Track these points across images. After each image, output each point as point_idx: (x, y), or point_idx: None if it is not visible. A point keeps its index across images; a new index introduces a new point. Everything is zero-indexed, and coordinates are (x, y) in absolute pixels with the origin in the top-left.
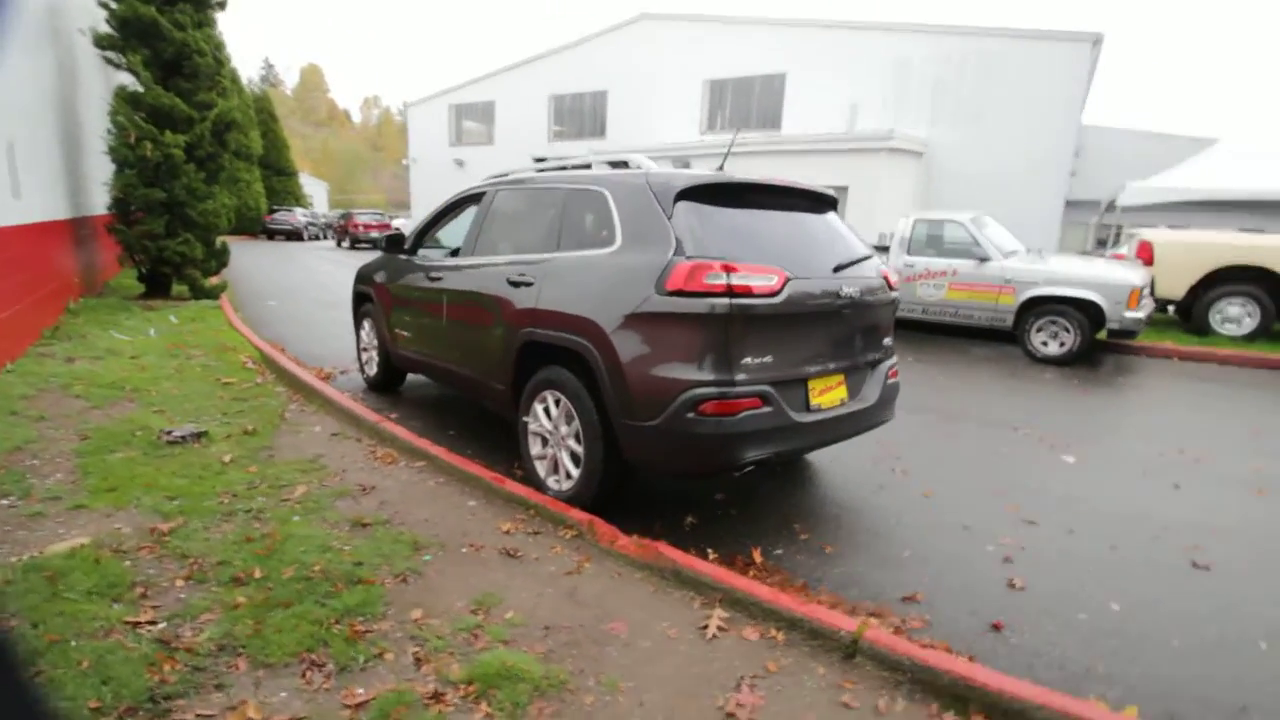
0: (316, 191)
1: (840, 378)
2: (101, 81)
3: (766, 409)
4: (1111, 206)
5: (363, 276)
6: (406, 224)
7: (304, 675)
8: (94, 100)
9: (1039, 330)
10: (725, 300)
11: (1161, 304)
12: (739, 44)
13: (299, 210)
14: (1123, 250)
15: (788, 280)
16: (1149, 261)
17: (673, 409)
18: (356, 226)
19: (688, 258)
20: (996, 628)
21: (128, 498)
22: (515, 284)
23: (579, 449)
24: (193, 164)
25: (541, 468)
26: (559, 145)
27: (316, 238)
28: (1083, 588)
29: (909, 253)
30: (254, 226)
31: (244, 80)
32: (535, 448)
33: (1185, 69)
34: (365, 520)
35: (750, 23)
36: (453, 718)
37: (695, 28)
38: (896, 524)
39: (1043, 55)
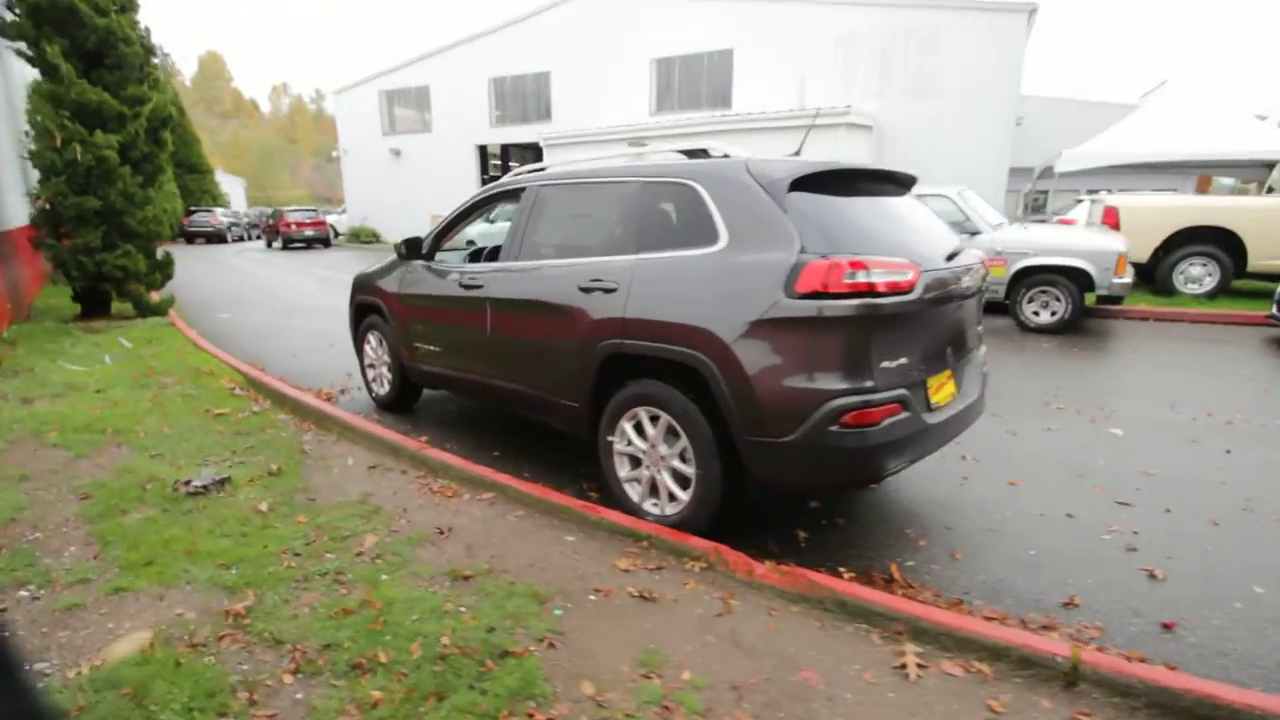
0: (233, 189)
1: (949, 373)
2: (3, 79)
3: (905, 414)
4: (1047, 172)
5: (364, 285)
6: (341, 219)
7: None
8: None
9: (1030, 300)
10: (865, 300)
11: None
12: (684, 21)
13: (219, 210)
14: (1070, 215)
15: (920, 274)
16: (1115, 226)
17: (813, 422)
18: (289, 225)
19: (818, 255)
20: (1168, 628)
21: (173, 572)
22: (588, 290)
23: (688, 469)
24: (128, 166)
25: (634, 491)
26: (501, 131)
27: (241, 239)
28: (1216, 571)
29: None
30: (169, 230)
31: None
32: (624, 470)
33: (1104, 39)
34: (464, 571)
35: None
36: None
37: (638, 5)
38: (1004, 519)
39: (982, 26)
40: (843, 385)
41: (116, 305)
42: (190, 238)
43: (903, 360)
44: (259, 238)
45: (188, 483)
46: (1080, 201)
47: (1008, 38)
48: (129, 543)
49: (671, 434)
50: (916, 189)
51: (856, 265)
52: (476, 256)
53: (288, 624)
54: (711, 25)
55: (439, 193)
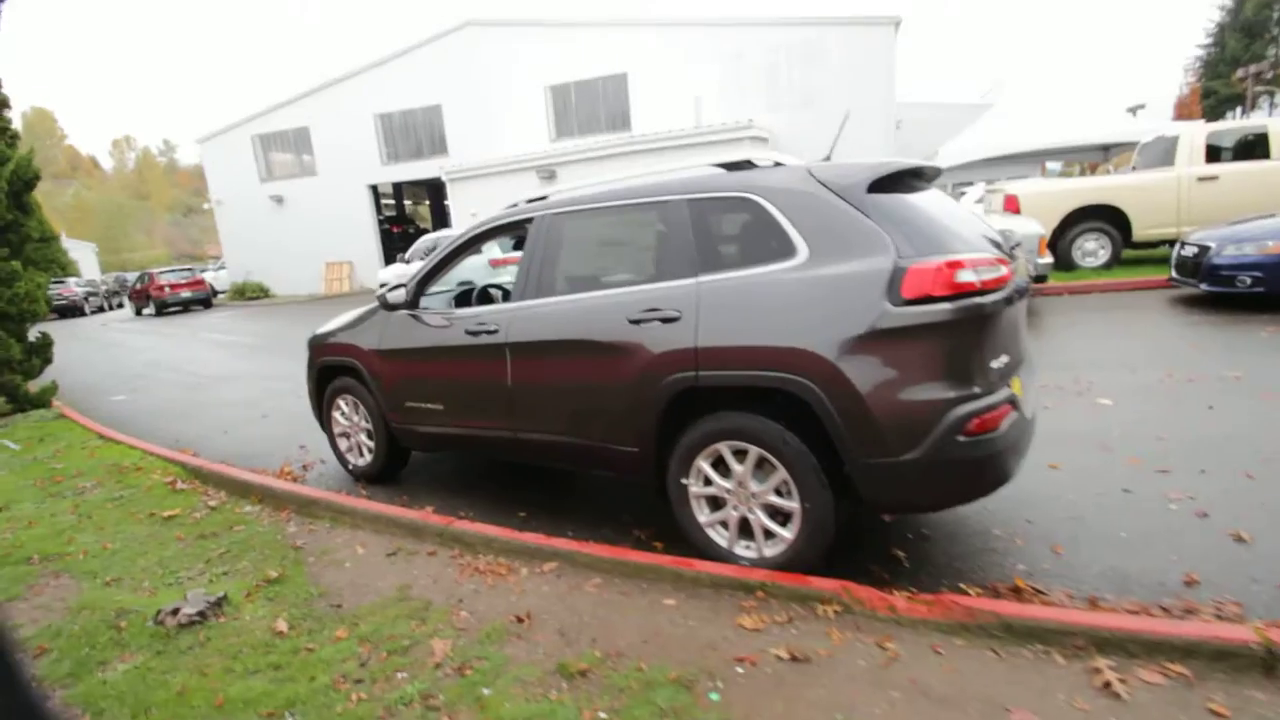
0: (82, 255)
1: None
2: None
3: (1015, 414)
4: None
5: (327, 345)
6: (220, 275)
7: None
8: None
9: None
10: (972, 300)
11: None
12: (575, 47)
13: (72, 280)
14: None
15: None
16: (1016, 211)
17: (937, 435)
18: (162, 288)
19: (917, 258)
20: None
21: None
22: (641, 322)
23: (789, 504)
24: None
25: (719, 536)
26: (394, 168)
27: (101, 309)
28: None
29: None
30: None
31: None
32: (703, 514)
33: (961, 45)
34: (576, 665)
35: (582, 25)
36: None
37: (526, 33)
38: (1073, 504)
39: (855, 38)
40: (962, 392)
41: None
42: None
43: (1004, 358)
44: (121, 305)
45: (175, 611)
46: (963, 194)
47: (878, 48)
48: (131, 706)
49: (762, 468)
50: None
51: (958, 265)
52: (464, 301)
53: None
54: (603, 51)
55: (332, 238)
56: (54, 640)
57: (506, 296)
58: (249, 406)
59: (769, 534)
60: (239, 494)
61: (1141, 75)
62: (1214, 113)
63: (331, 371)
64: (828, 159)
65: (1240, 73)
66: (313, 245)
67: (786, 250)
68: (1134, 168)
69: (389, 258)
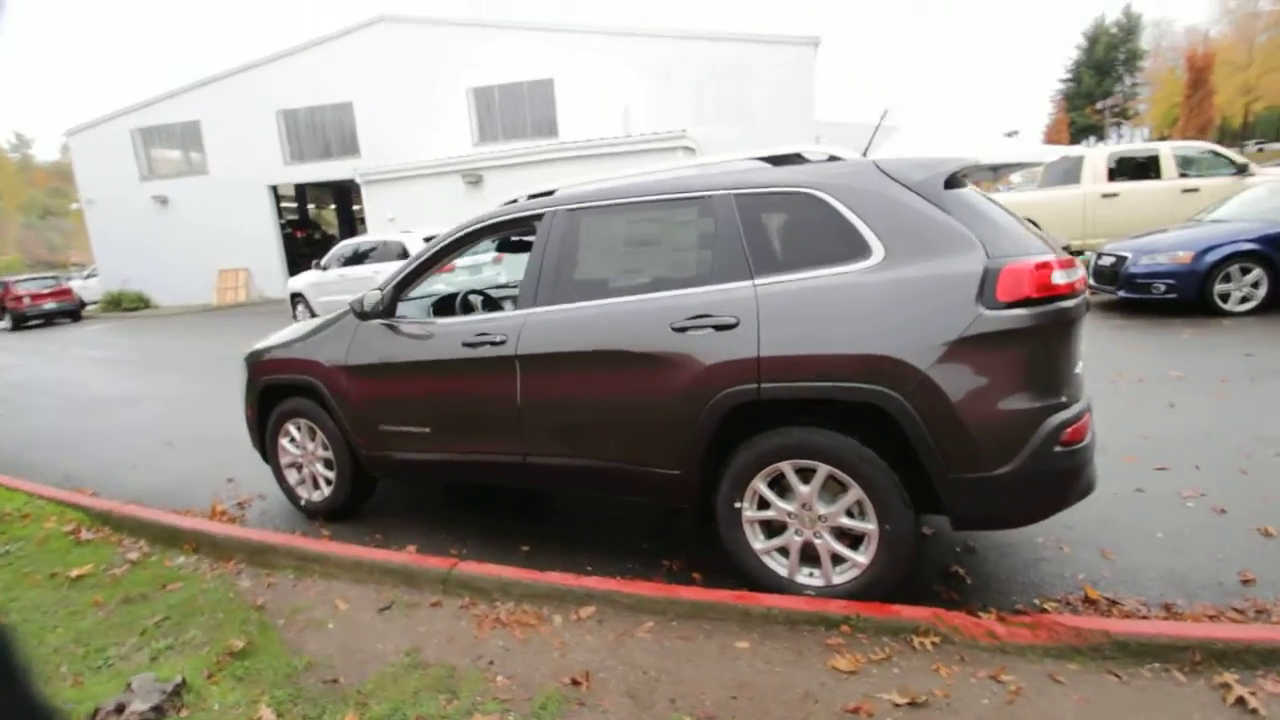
0: None
1: None
2: None
3: (1091, 420)
4: None
5: (274, 361)
6: (90, 285)
7: None
8: None
9: None
10: (1063, 303)
11: None
12: (500, 50)
13: None
14: None
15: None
16: None
17: (1034, 446)
18: (20, 299)
19: (1010, 258)
20: None
21: None
22: (686, 329)
23: (865, 526)
24: None
25: (778, 564)
26: (299, 168)
27: None
28: None
29: None
30: None
31: None
32: (759, 541)
33: (859, 70)
34: None
35: (507, 28)
36: None
37: (445, 32)
38: (1099, 506)
39: (779, 58)
40: (1055, 400)
41: None
42: None
43: (1081, 363)
44: None
45: (120, 709)
46: None
47: (799, 66)
48: None
49: (829, 490)
50: None
51: (1051, 266)
52: (446, 309)
53: None
54: (529, 54)
55: (226, 243)
56: None
57: (489, 304)
58: (150, 433)
59: (837, 559)
60: (165, 542)
61: (1013, 103)
62: (1075, 140)
63: (279, 392)
64: (864, 153)
65: (1100, 105)
66: (203, 251)
67: (859, 250)
68: (1040, 186)
69: (292, 264)
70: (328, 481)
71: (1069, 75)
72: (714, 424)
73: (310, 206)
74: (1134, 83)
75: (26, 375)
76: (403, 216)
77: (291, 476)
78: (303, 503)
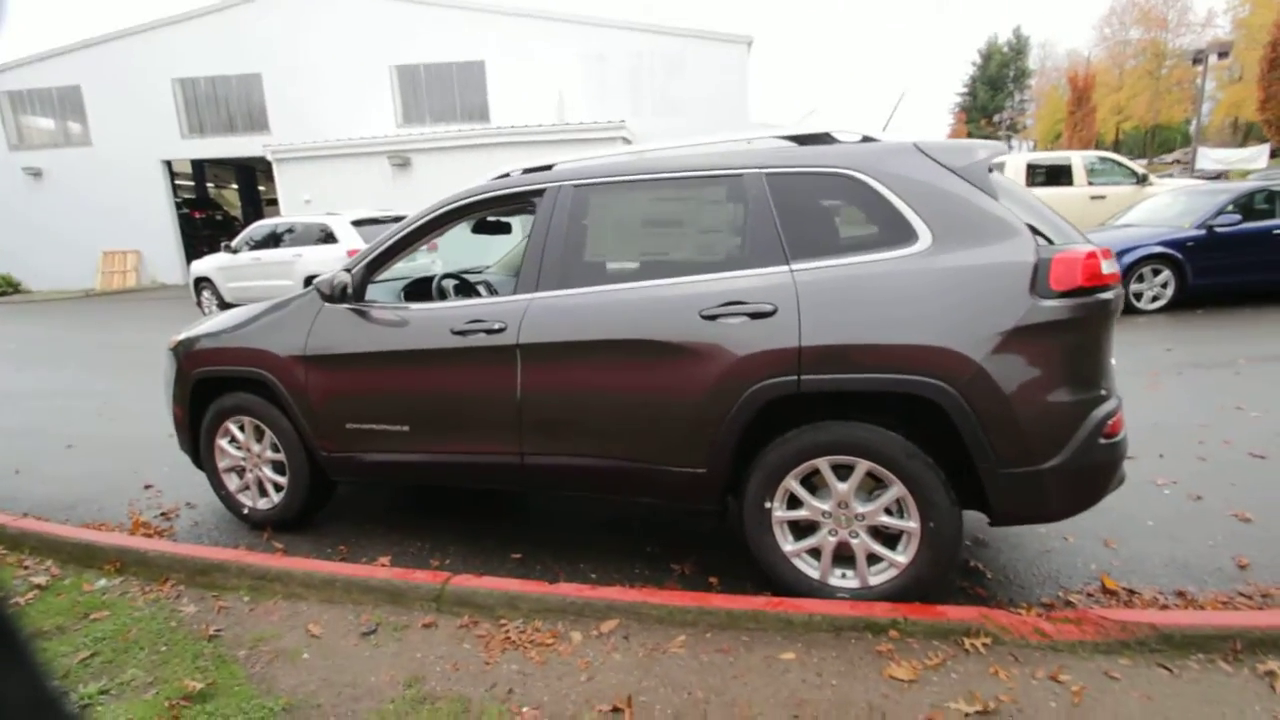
0: None
1: None
2: None
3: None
4: None
5: (210, 352)
6: None
7: None
8: None
9: None
10: (1108, 293)
11: None
12: (425, 27)
13: None
14: None
15: None
16: None
17: (1081, 438)
18: None
19: (1059, 247)
20: None
21: None
22: (717, 317)
23: (905, 524)
24: None
25: (809, 566)
26: (198, 143)
27: None
28: (1268, 501)
29: None
30: None
31: None
32: (788, 542)
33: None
34: None
35: (433, 4)
36: None
37: (366, 3)
38: None
39: (712, 54)
40: (1099, 392)
41: None
42: None
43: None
44: None
45: None
46: None
47: (732, 65)
48: None
49: (866, 487)
50: None
51: (1098, 255)
52: (418, 293)
53: None
54: (459, 34)
55: (113, 223)
56: None
57: (464, 289)
58: (40, 435)
59: (872, 559)
60: (79, 562)
61: (920, 114)
62: None
63: (215, 387)
64: (884, 129)
65: (998, 118)
66: (85, 230)
67: (904, 235)
68: None
69: (189, 247)
70: (277, 487)
71: (966, 90)
72: (747, 419)
73: (209, 185)
74: (1022, 99)
75: None
76: (320, 198)
77: (231, 482)
78: (245, 511)
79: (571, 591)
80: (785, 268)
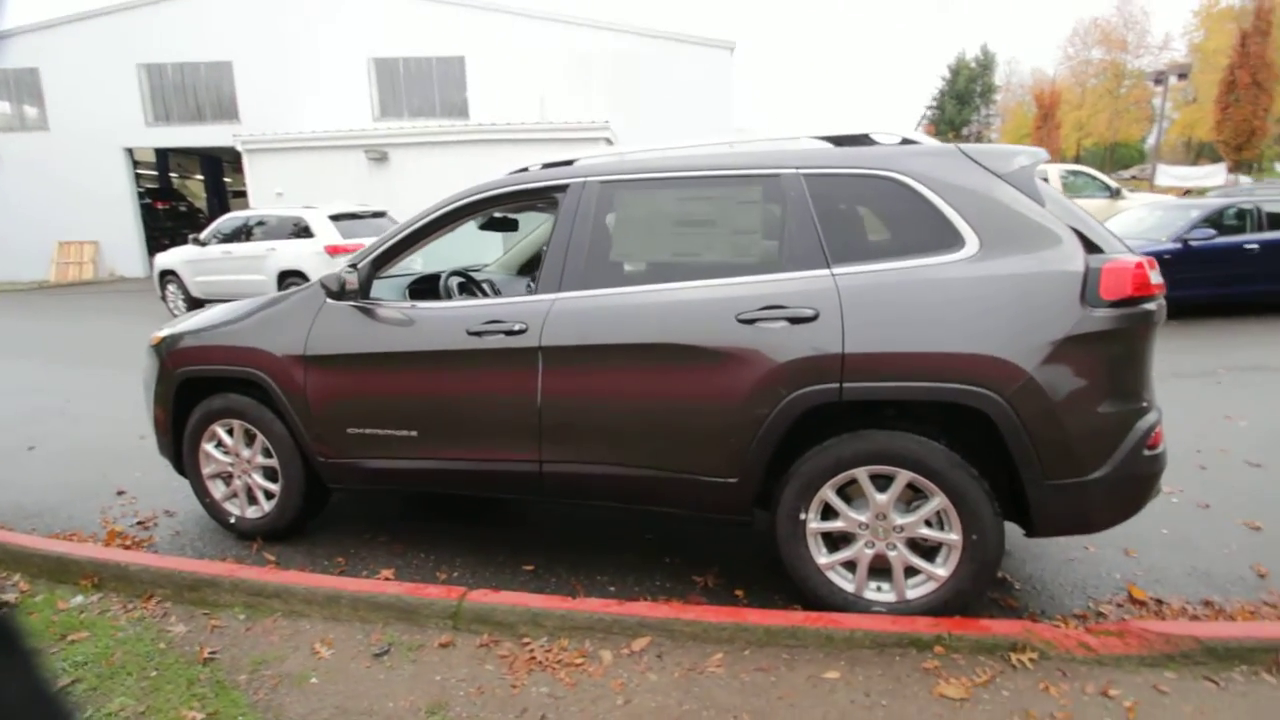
0: None
1: None
2: None
3: None
4: None
5: (197, 350)
6: None
7: None
8: None
9: None
10: (1154, 303)
11: None
12: (405, 19)
13: None
14: None
15: None
16: None
17: (1126, 449)
18: None
19: (1108, 256)
20: None
21: None
22: (755, 321)
23: (946, 536)
24: None
25: (844, 580)
26: (164, 131)
27: None
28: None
29: None
30: None
31: None
32: (822, 555)
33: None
34: None
35: None
36: None
37: None
38: None
39: (697, 58)
40: (1142, 403)
41: None
42: None
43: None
44: None
45: None
46: None
47: (716, 68)
48: None
49: (903, 498)
50: None
51: (1144, 265)
52: (422, 292)
53: None
54: (439, 28)
55: (69, 212)
56: None
57: (468, 288)
58: (1, 433)
59: (910, 572)
60: (51, 576)
61: (887, 126)
62: None
63: (201, 387)
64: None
65: (965, 131)
66: (38, 219)
67: (950, 240)
68: None
69: (151, 239)
70: (268, 495)
71: (934, 103)
72: (784, 427)
73: (173, 176)
74: (988, 113)
75: None
76: (293, 191)
77: (217, 489)
78: (233, 520)
79: (598, 607)
80: (826, 271)
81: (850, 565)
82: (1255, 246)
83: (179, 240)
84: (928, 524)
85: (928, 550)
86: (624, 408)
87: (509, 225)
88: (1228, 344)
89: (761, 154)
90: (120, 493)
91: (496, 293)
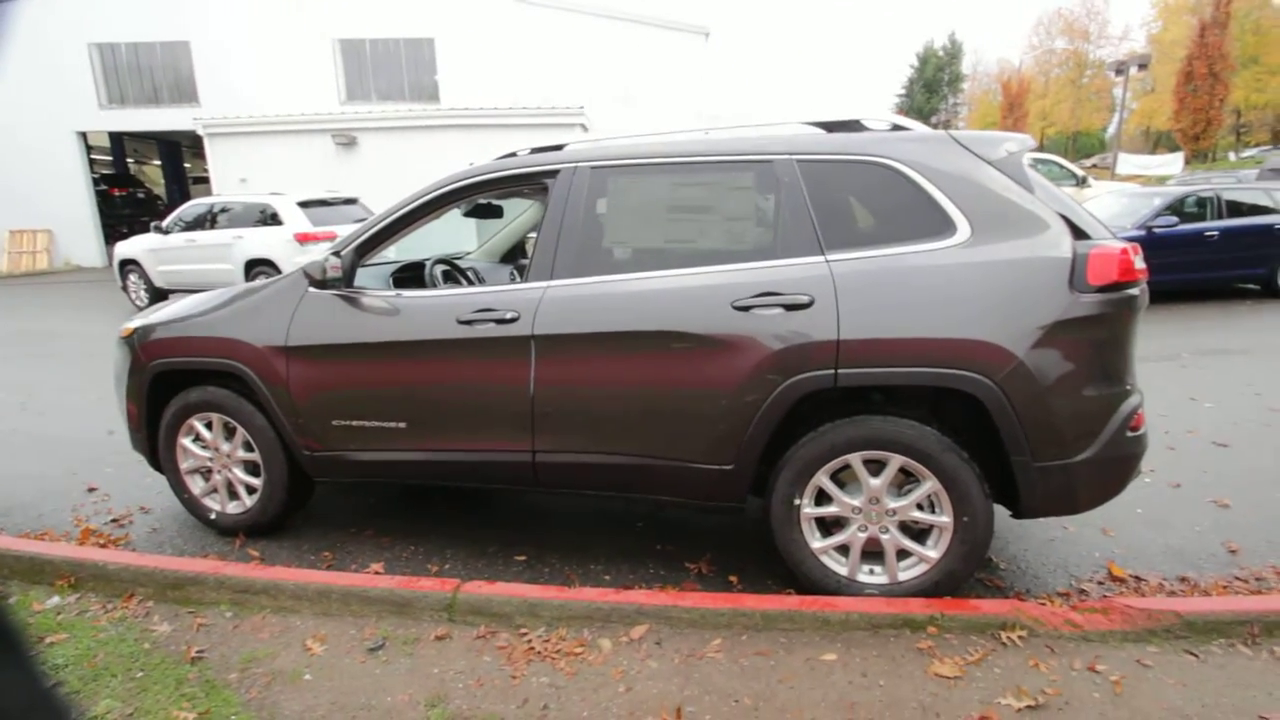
0: None
1: None
2: None
3: None
4: None
5: (172, 341)
6: None
7: None
8: None
9: None
10: (1141, 287)
11: None
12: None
13: None
14: None
15: None
16: None
17: (1110, 431)
18: None
19: (1095, 241)
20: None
21: None
22: (752, 309)
23: (937, 519)
24: None
25: (838, 562)
26: (119, 114)
27: None
28: (1243, 485)
29: None
30: None
31: None
32: (816, 539)
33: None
34: None
35: None
36: None
37: None
38: None
39: (671, 43)
40: (1126, 385)
41: None
42: None
43: None
44: None
45: None
46: None
47: (689, 54)
48: None
49: (896, 482)
50: None
51: (1129, 250)
52: (408, 278)
53: None
54: (406, 7)
55: (19, 200)
56: None
57: (452, 276)
58: None
59: (901, 554)
60: (24, 577)
61: (856, 113)
62: None
63: (177, 380)
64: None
65: (934, 120)
66: None
67: (942, 227)
68: None
69: (108, 227)
70: (250, 489)
71: (904, 92)
72: (780, 413)
73: (129, 161)
74: (956, 102)
75: None
76: (256, 177)
77: (196, 485)
78: (213, 516)
79: (595, 596)
80: (821, 258)
81: (843, 549)
82: (1215, 234)
83: (137, 228)
84: (919, 507)
85: (919, 533)
86: (619, 396)
87: (494, 212)
88: (1190, 328)
89: (755, 139)
90: (92, 489)
91: (481, 281)
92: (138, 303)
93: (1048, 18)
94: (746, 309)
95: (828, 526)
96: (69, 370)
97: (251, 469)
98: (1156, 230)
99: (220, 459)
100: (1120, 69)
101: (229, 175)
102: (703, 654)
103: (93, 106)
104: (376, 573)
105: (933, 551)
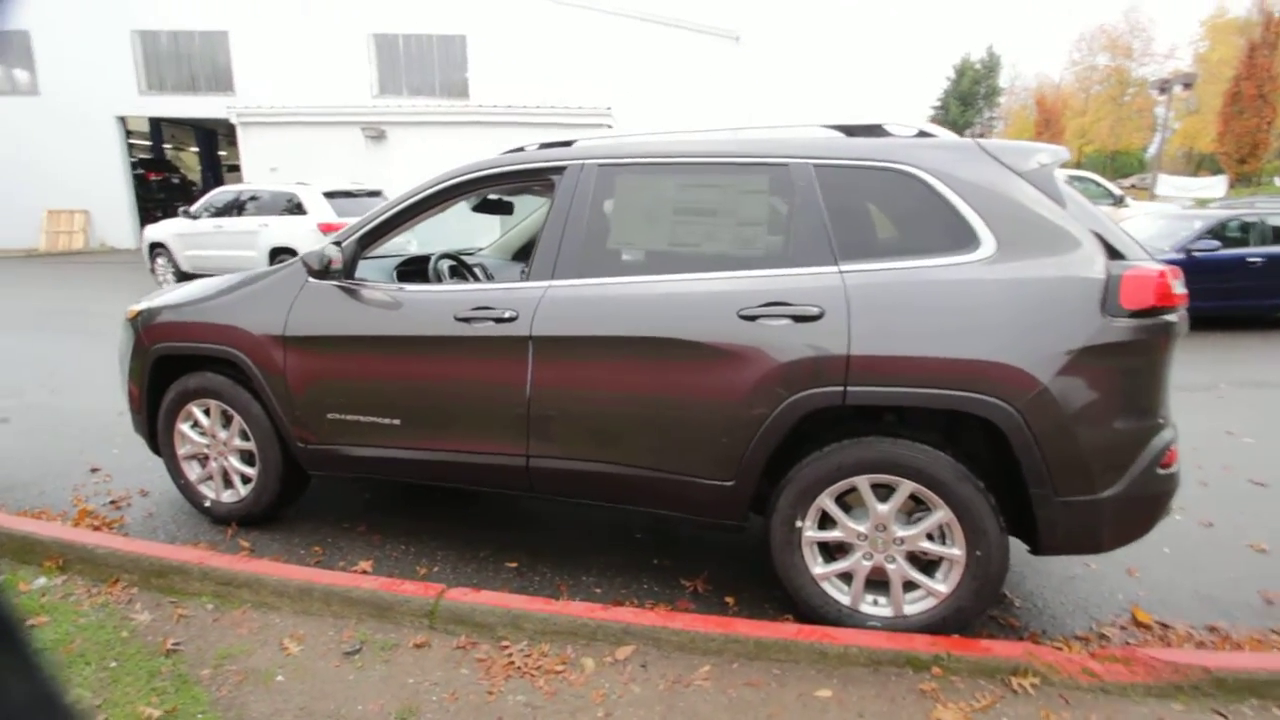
0: None
1: None
2: None
3: None
4: None
5: (174, 325)
6: None
7: None
8: None
9: None
10: (1178, 313)
11: None
12: None
13: None
14: None
15: None
16: None
17: (1140, 467)
18: None
19: (1128, 263)
20: None
21: None
22: (757, 318)
23: (948, 551)
24: None
25: (838, 591)
26: (158, 100)
27: None
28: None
29: None
30: None
31: None
32: (817, 565)
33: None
34: None
35: None
36: None
37: None
38: None
39: (702, 46)
40: (1158, 419)
41: None
42: None
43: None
44: None
45: None
46: None
47: (721, 58)
48: None
49: (906, 509)
50: None
51: (1166, 274)
52: (411, 274)
53: None
54: (440, 5)
55: (59, 180)
56: None
57: (459, 272)
58: None
59: (908, 586)
60: (15, 557)
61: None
62: None
63: (178, 365)
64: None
65: (968, 133)
66: (27, 187)
67: (965, 240)
68: None
69: (143, 210)
70: (244, 479)
71: (939, 104)
72: (784, 430)
73: (167, 147)
74: (991, 115)
75: None
76: (286, 166)
77: (192, 471)
78: (208, 504)
79: (582, 612)
80: (834, 268)
81: (846, 577)
82: (1259, 260)
83: (171, 212)
84: (929, 537)
85: (928, 564)
86: (617, 403)
87: (504, 208)
88: (1228, 358)
89: (770, 141)
90: (95, 470)
91: (489, 277)
92: (165, 285)
93: (1090, 33)
94: (753, 318)
95: (830, 552)
96: (95, 348)
97: (247, 458)
98: (1196, 254)
99: (217, 446)
100: (1164, 87)
101: (260, 164)
102: (690, 681)
103: (133, 92)
104: (364, 571)
105: (942, 585)
